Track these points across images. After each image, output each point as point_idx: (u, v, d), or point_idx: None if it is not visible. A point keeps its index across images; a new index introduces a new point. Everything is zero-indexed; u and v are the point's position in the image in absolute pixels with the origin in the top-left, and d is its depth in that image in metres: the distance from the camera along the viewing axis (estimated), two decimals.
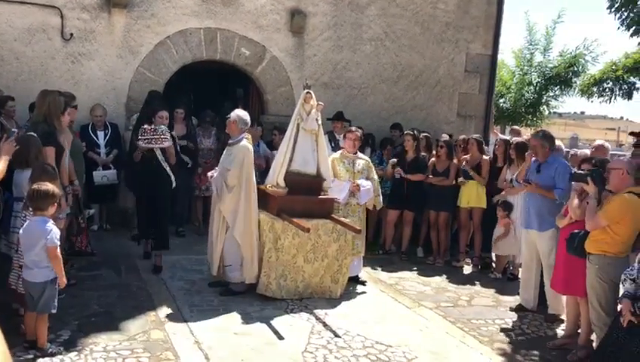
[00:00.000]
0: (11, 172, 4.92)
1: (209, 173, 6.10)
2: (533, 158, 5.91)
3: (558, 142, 6.43)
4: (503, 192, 7.19)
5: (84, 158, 6.65)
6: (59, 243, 4.18)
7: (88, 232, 6.37)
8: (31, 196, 4.18)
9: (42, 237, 4.08)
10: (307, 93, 6.08)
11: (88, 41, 7.99)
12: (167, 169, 6.23)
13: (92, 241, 6.61)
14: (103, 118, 7.48)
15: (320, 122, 6.15)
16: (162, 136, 6.12)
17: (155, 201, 6.26)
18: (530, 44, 18.28)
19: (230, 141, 5.89)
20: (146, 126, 6.14)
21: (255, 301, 5.65)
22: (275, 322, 5.16)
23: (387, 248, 8.03)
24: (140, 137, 6.07)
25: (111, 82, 8.16)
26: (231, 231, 5.67)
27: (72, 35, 7.87)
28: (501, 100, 18.17)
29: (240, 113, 5.90)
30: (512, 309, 6.05)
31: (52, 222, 4.19)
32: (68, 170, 5.44)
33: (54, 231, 4.12)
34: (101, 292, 5.57)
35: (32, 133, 4.83)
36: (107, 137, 7.48)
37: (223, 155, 5.94)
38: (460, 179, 7.59)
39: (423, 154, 7.88)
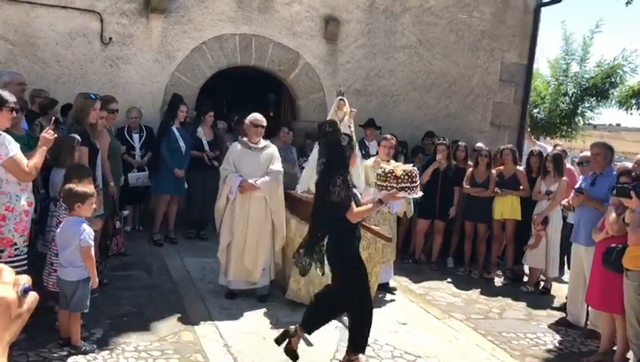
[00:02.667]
0: (49, 171, 5.06)
1: (254, 183, 5.62)
2: (590, 173, 5.80)
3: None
4: (545, 205, 7.01)
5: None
6: (92, 243, 4.25)
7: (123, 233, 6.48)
8: (63, 196, 4.27)
9: (76, 237, 4.16)
10: (340, 100, 6.09)
11: (126, 45, 8.15)
12: None
13: (125, 242, 6.74)
14: (138, 120, 7.62)
15: (352, 129, 6.15)
16: None
17: None
18: (567, 54, 17.96)
19: (259, 145, 5.78)
20: None
21: (284, 306, 5.66)
22: None
23: (417, 257, 7.97)
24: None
25: (147, 86, 8.31)
26: (278, 234, 5.83)
27: (110, 39, 8.04)
28: (535, 110, 17.89)
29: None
30: (554, 324, 5.94)
31: (86, 222, 4.27)
32: (103, 171, 5.55)
33: (88, 232, 4.19)
34: (133, 293, 5.64)
35: (74, 135, 4.94)
36: (142, 140, 7.61)
37: (248, 160, 5.70)
38: (498, 190, 7.44)
39: (454, 163, 7.79)
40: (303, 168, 6.94)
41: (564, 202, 6.30)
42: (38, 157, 4.19)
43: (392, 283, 6.67)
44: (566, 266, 7.56)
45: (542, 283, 7.23)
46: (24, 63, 7.62)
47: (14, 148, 4.03)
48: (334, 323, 5.36)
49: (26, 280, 0.86)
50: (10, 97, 4.13)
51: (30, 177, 4.18)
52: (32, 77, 7.34)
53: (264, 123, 5.78)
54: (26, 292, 0.85)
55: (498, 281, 7.53)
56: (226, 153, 5.87)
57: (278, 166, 5.81)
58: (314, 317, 4.50)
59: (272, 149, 5.88)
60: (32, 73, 7.47)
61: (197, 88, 8.59)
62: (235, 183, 5.59)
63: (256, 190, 5.64)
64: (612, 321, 4.97)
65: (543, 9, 10.32)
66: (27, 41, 7.70)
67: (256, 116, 5.81)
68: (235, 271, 5.75)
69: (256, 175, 5.66)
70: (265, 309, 5.55)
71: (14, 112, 4.19)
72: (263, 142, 5.81)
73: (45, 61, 7.81)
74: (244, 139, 5.83)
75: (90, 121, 5.31)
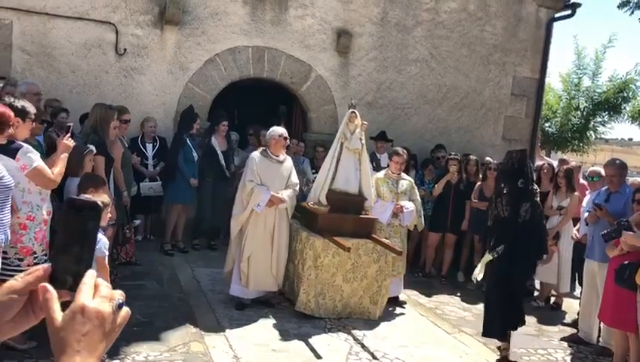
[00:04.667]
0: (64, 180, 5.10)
1: (280, 196, 5.73)
2: (604, 187, 5.77)
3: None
4: (556, 221, 6.97)
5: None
6: (107, 253, 4.28)
7: (134, 242, 6.52)
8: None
9: None
10: (352, 112, 6.12)
11: (140, 56, 8.24)
12: None
13: (136, 251, 6.78)
14: (154, 130, 7.71)
15: (364, 142, 6.17)
16: None
17: None
18: (579, 69, 17.92)
19: (278, 158, 5.90)
20: None
21: (293, 318, 5.66)
22: (313, 340, 5.15)
23: (427, 271, 7.94)
24: None
25: (161, 97, 8.38)
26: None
27: (125, 50, 8.13)
28: (546, 124, 17.83)
29: None
30: (564, 339, 5.88)
31: (102, 232, 4.31)
32: (117, 181, 5.60)
33: (103, 242, 4.23)
34: (143, 302, 5.66)
35: (90, 146, 5.00)
36: (155, 150, 7.68)
37: (272, 172, 5.80)
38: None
39: (465, 176, 7.78)
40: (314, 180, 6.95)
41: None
42: (61, 164, 4.24)
43: (402, 297, 6.65)
44: (577, 281, 7.49)
45: (553, 299, 7.17)
46: (40, 73, 7.73)
47: (37, 158, 4.09)
48: (343, 336, 5.36)
49: (119, 295, 0.90)
50: (32, 108, 4.20)
51: (55, 184, 4.25)
52: (48, 87, 7.43)
53: (287, 135, 6.02)
54: (120, 307, 0.89)
55: None
56: (247, 164, 5.91)
57: (296, 178, 6.03)
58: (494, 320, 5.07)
59: (290, 161, 6.06)
60: (47, 83, 7.57)
61: (210, 100, 8.65)
62: (266, 198, 5.64)
63: (282, 203, 5.75)
64: (625, 339, 4.92)
65: (555, 23, 10.32)
66: (44, 52, 7.81)
67: (282, 130, 5.97)
68: (255, 281, 5.80)
69: (279, 187, 5.80)
70: (274, 321, 5.55)
71: (34, 123, 4.26)
72: (282, 155, 5.96)
73: (61, 71, 7.91)
74: (265, 150, 5.93)
75: (109, 132, 5.39)
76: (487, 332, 5.22)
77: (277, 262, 5.87)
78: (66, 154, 4.30)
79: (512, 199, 4.92)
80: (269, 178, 5.77)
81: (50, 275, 0.90)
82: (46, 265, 0.91)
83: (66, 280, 0.89)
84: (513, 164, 5.02)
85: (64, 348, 0.83)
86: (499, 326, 5.07)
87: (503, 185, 5.04)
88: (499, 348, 5.21)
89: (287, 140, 6.00)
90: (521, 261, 4.95)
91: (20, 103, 4.14)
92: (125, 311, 0.91)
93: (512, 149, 5.71)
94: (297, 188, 6.03)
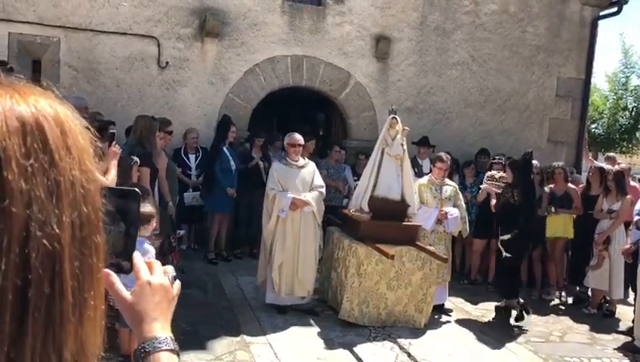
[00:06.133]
0: None
1: (303, 198, 5.80)
2: None
3: None
4: (606, 225, 6.75)
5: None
6: None
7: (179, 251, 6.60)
8: None
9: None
10: (393, 118, 6.06)
11: (182, 68, 8.39)
12: None
13: (181, 260, 6.87)
14: (197, 141, 7.82)
15: (405, 147, 6.10)
16: None
17: None
18: (626, 67, 17.38)
19: (297, 163, 5.96)
20: None
21: (337, 326, 5.62)
22: (357, 349, 5.10)
23: (473, 278, 7.78)
24: None
25: (202, 108, 8.50)
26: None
27: (167, 63, 8.28)
28: (593, 126, 17.35)
29: None
30: (619, 348, 5.67)
31: (148, 242, 4.37)
32: (162, 191, 5.69)
33: (152, 252, 4.29)
34: (188, 311, 5.70)
35: (132, 156, 5.09)
36: (198, 160, 7.78)
37: (292, 177, 5.87)
38: (553, 209, 7.22)
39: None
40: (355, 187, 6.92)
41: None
42: (114, 171, 4.34)
43: (447, 305, 6.52)
44: (630, 288, 7.21)
45: (605, 306, 6.93)
46: (86, 88, 7.94)
47: None
48: (389, 344, 5.29)
49: (171, 270, 1.07)
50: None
51: None
52: (94, 101, 7.62)
53: (302, 142, 6.06)
54: (174, 279, 1.06)
55: (558, 303, 7.25)
56: (269, 173, 6.02)
57: (320, 181, 6.08)
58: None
59: (312, 165, 6.14)
60: (93, 97, 7.76)
61: (250, 109, 8.73)
62: (287, 201, 5.67)
63: (307, 205, 5.76)
64: None
65: (600, 22, 10.03)
66: (89, 67, 8.03)
67: (296, 136, 5.99)
68: (287, 288, 5.82)
69: (303, 191, 5.85)
70: (318, 329, 5.53)
71: None
72: (301, 160, 6.02)
73: (106, 85, 8.12)
74: (284, 158, 6.06)
75: (155, 143, 5.48)
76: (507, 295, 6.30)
77: (304, 268, 5.86)
78: (115, 162, 4.39)
79: (524, 190, 6.15)
80: (291, 183, 5.84)
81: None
82: None
83: (122, 265, 0.99)
84: (527, 161, 6.30)
85: (142, 318, 0.98)
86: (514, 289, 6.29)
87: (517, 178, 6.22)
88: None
89: (301, 147, 6.02)
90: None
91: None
92: (178, 283, 1.07)
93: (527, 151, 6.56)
94: (323, 190, 6.06)
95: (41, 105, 0.67)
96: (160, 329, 0.97)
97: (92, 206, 0.70)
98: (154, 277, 1.01)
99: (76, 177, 0.67)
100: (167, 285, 1.02)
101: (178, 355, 0.97)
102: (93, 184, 0.71)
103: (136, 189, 0.99)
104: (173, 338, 0.98)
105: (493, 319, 6.33)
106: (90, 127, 0.74)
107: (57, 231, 0.64)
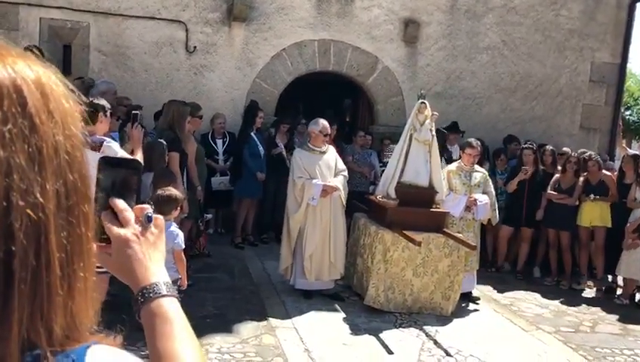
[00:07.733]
0: None
1: (332, 184, 5.78)
2: None
3: None
4: (639, 213, 6.58)
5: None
6: (184, 246, 4.38)
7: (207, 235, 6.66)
8: (155, 200, 4.42)
9: (169, 240, 4.29)
10: (422, 103, 5.96)
11: (210, 53, 8.39)
12: None
13: (208, 245, 6.93)
14: (224, 126, 7.84)
15: (434, 133, 6.01)
16: None
17: None
18: None
19: (320, 149, 5.93)
20: None
21: (363, 312, 5.61)
22: (383, 335, 5.08)
23: (500, 265, 7.67)
24: None
25: (229, 93, 8.51)
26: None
27: (195, 47, 8.30)
28: (627, 113, 16.93)
29: None
30: None
31: (175, 225, 4.40)
32: (191, 176, 5.72)
33: (180, 236, 4.32)
34: (215, 295, 5.77)
35: (161, 140, 5.12)
36: (225, 145, 7.81)
37: (318, 164, 5.84)
38: (592, 196, 7.04)
39: (542, 167, 7.44)
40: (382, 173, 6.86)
41: None
42: (140, 152, 4.37)
43: (475, 293, 6.45)
44: None
45: (638, 296, 6.77)
46: (115, 72, 8.01)
47: (119, 149, 4.21)
48: (415, 331, 5.26)
49: (147, 208, 0.96)
50: (107, 103, 4.33)
51: None
52: (122, 85, 7.69)
53: (330, 130, 6.14)
54: (149, 220, 0.95)
55: (589, 292, 7.12)
56: (292, 162, 5.98)
57: (342, 165, 6.11)
58: None
59: (332, 150, 6.11)
60: (122, 82, 7.83)
61: (277, 95, 8.71)
62: (319, 189, 5.64)
63: (336, 191, 5.75)
64: None
65: (638, 4, 9.71)
66: (118, 52, 8.09)
67: (323, 124, 5.93)
68: (317, 273, 5.84)
69: (328, 177, 5.83)
70: (344, 314, 5.52)
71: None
72: (323, 146, 6.01)
73: (134, 70, 8.17)
74: (307, 144, 6.01)
75: (185, 128, 5.51)
76: None
77: (335, 252, 5.89)
78: (140, 142, 4.41)
79: None
80: (317, 170, 5.80)
81: None
82: None
83: None
84: None
85: (131, 272, 0.92)
86: None
87: None
88: None
89: (328, 137, 6.05)
90: None
91: (101, 101, 4.28)
92: (159, 218, 0.97)
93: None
94: (346, 173, 6.06)
95: (19, 67, 0.63)
96: (154, 275, 0.93)
97: (79, 173, 0.66)
98: (124, 230, 0.92)
99: (60, 143, 0.63)
100: (139, 231, 0.93)
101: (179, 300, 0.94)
102: (80, 150, 0.67)
103: (137, 158, 0.95)
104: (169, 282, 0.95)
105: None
106: (75, 90, 0.70)
107: (41, 200, 0.60)
